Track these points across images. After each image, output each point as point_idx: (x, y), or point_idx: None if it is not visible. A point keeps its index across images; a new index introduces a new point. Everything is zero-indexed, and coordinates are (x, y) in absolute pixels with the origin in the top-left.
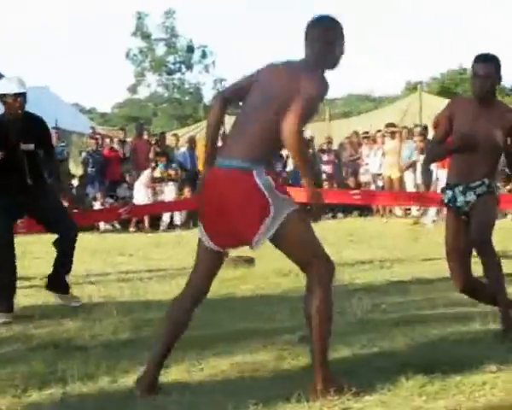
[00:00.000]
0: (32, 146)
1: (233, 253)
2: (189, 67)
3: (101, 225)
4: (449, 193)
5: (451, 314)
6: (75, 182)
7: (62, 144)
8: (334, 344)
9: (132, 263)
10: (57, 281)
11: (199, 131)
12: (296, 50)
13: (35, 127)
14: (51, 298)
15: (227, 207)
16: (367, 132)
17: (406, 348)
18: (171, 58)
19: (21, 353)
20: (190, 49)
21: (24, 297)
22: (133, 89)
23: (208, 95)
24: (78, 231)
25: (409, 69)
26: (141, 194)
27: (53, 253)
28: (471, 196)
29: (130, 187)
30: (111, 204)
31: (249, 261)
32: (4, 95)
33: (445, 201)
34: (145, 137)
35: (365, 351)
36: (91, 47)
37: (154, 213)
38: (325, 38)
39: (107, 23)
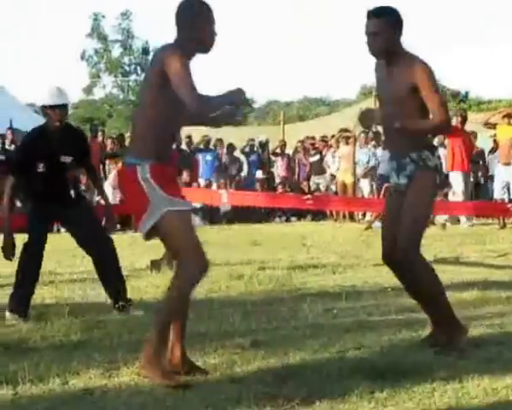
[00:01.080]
0: (69, 159)
1: None
2: (145, 68)
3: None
4: (387, 168)
5: (402, 320)
6: None
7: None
8: (285, 348)
9: (85, 264)
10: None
11: None
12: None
13: (74, 140)
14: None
15: (126, 199)
16: (326, 136)
17: (356, 354)
18: (126, 60)
19: None
20: (146, 51)
21: None
22: (88, 90)
23: None
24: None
25: (364, 73)
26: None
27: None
28: (403, 180)
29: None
30: None
31: None
32: (45, 106)
33: (384, 174)
34: (99, 138)
35: (316, 356)
36: (47, 47)
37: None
38: (189, 23)
39: (63, 23)
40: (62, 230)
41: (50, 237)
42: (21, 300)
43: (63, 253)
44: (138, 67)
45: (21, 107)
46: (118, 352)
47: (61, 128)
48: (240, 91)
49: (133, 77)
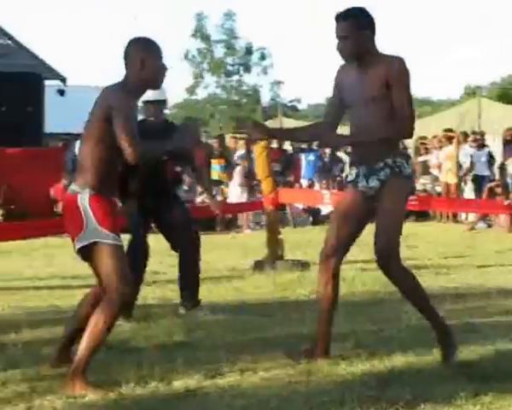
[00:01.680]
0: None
1: (288, 256)
2: (248, 68)
3: None
4: (353, 173)
5: (506, 323)
6: None
7: None
8: (388, 350)
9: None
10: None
11: None
12: None
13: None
14: None
15: (66, 221)
16: (425, 138)
17: (460, 356)
18: (229, 60)
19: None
20: (249, 51)
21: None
22: (191, 90)
23: (266, 97)
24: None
25: (468, 73)
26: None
27: None
28: (374, 183)
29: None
30: None
31: (304, 265)
32: (147, 101)
33: (349, 179)
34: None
35: (419, 358)
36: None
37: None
38: (138, 63)
39: (167, 24)
40: None
41: (151, 237)
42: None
43: (164, 252)
44: (241, 68)
45: None
46: (220, 353)
47: (161, 123)
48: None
49: (236, 77)
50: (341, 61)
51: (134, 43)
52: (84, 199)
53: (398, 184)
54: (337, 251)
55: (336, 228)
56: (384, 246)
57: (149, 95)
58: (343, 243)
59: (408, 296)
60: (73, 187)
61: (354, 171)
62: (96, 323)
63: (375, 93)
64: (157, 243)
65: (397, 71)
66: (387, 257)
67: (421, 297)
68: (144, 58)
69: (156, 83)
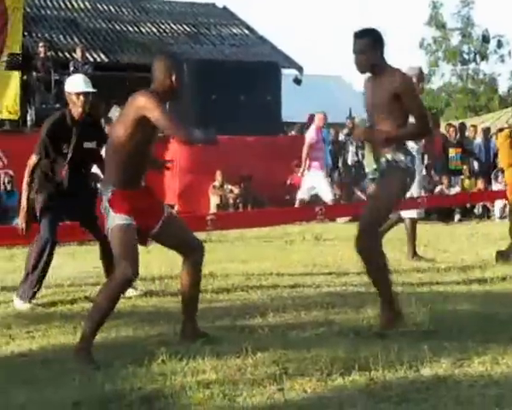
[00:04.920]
0: (93, 144)
1: None
2: (484, 57)
3: None
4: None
5: None
6: None
7: None
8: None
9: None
10: None
11: (493, 121)
12: None
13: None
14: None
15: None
16: None
17: None
18: (465, 48)
19: (324, 338)
20: (486, 39)
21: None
22: (426, 79)
23: (503, 86)
24: None
25: None
26: None
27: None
28: (377, 176)
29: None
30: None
31: None
32: (69, 93)
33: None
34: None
35: None
36: (386, 36)
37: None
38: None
39: (402, 12)
40: None
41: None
42: None
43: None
44: (477, 56)
45: (359, 95)
46: (467, 342)
47: (85, 115)
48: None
49: (472, 65)
50: None
51: (161, 62)
52: (104, 199)
53: (390, 174)
54: None
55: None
56: (365, 226)
57: (75, 86)
58: None
59: (373, 278)
60: (101, 188)
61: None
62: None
63: (385, 101)
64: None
65: (402, 84)
66: (365, 236)
67: (385, 285)
68: (170, 76)
69: (177, 95)
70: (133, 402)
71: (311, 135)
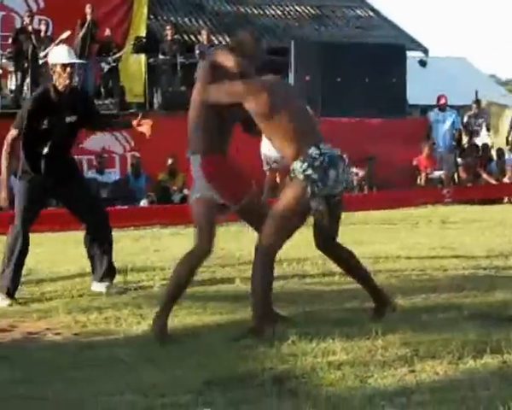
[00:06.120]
0: (74, 118)
1: None
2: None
3: None
4: None
5: None
6: None
7: (481, 119)
8: None
9: None
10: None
11: None
12: None
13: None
14: None
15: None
16: None
17: None
18: None
19: (454, 321)
20: None
21: None
22: None
23: None
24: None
25: None
26: None
27: None
28: None
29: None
30: None
31: None
32: (54, 64)
33: None
34: None
35: None
36: (507, 17)
37: None
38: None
39: None
40: None
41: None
42: None
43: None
44: None
45: (485, 78)
46: None
47: (69, 88)
48: None
49: None
50: None
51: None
52: (194, 164)
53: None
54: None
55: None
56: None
57: (60, 57)
58: None
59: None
60: (188, 153)
61: None
62: None
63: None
64: None
65: None
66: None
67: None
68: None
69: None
70: (265, 382)
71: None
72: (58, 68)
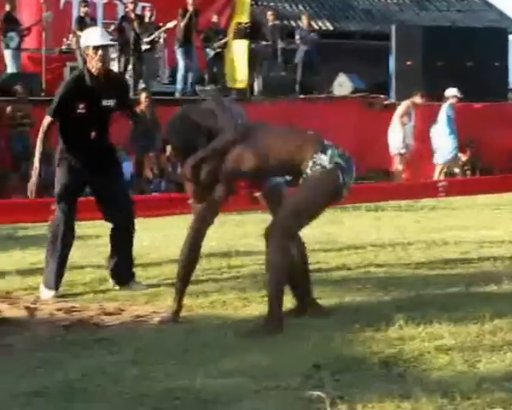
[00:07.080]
0: (111, 102)
1: None
2: None
3: None
4: None
5: None
6: None
7: None
8: None
9: None
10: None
11: None
12: None
13: (116, 84)
14: None
15: None
16: None
17: None
18: None
19: None
20: None
21: None
22: None
23: None
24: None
25: None
26: None
27: None
28: None
29: None
30: None
31: None
32: (87, 47)
33: None
34: None
35: None
36: None
37: None
38: None
39: None
40: None
41: None
42: None
43: None
44: None
45: None
46: None
47: (104, 72)
48: None
49: None
50: None
51: None
52: None
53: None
54: None
55: None
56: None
57: (93, 40)
58: None
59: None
60: None
61: None
62: None
63: None
64: None
65: None
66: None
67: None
68: None
69: None
70: (373, 366)
71: None
72: (90, 51)
